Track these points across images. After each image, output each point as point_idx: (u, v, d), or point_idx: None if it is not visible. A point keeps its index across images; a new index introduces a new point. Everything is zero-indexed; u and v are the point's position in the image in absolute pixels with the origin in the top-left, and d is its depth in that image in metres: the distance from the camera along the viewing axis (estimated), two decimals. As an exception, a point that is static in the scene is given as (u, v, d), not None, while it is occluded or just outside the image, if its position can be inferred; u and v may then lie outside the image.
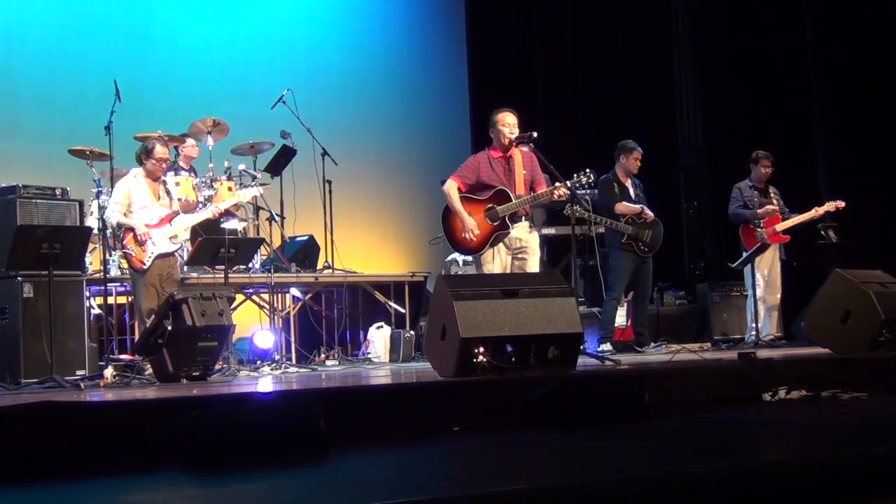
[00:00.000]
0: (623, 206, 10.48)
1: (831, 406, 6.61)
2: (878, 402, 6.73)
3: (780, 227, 10.98)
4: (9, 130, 11.89)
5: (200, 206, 10.22)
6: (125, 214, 9.00)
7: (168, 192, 9.31)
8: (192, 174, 10.76)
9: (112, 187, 9.65)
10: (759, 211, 10.96)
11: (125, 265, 10.13)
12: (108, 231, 9.71)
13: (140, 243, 8.91)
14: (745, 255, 10.92)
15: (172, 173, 10.26)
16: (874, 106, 12.92)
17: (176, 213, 9.21)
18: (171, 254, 9.04)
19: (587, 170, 8.79)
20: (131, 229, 8.94)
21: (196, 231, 9.58)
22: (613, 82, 14.58)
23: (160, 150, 9.13)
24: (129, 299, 10.36)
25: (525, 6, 15.50)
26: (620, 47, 14.71)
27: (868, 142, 12.93)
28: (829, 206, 11.03)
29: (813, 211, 11.04)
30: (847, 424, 5.78)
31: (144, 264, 8.91)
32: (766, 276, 10.95)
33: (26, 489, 4.30)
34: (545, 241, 11.75)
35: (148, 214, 9.03)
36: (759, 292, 10.88)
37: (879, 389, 7.07)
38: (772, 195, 11.19)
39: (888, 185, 12.74)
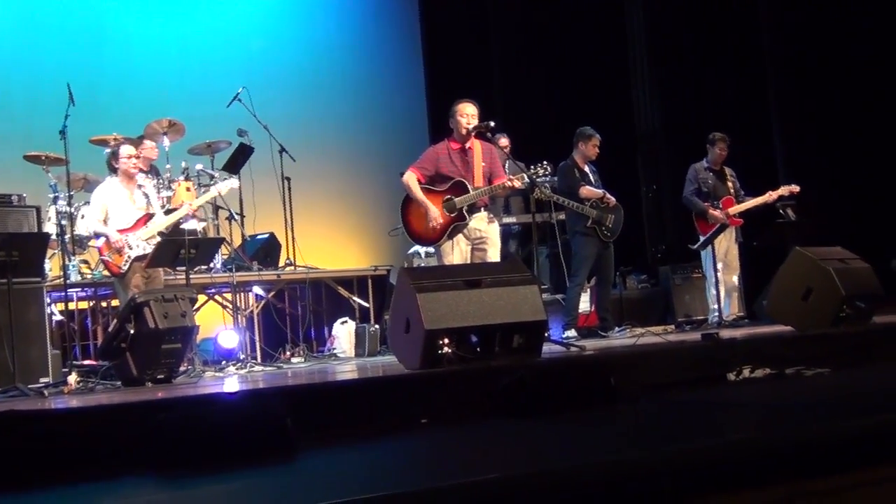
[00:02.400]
0: (587, 191, 10.52)
1: (795, 383, 6.65)
2: (841, 378, 6.77)
3: (734, 210, 11.01)
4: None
5: (162, 208, 10.18)
6: (104, 222, 9.03)
7: (146, 195, 9.32)
8: (153, 176, 10.70)
9: (69, 191, 9.64)
10: (710, 212, 10.98)
11: (86, 271, 10.13)
12: (67, 236, 9.67)
13: (115, 250, 8.92)
14: (703, 237, 10.96)
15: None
16: (829, 84, 13.04)
17: (151, 216, 9.20)
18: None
19: (544, 162, 8.83)
20: (107, 237, 8.96)
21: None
22: (570, 69, 14.63)
23: (126, 149, 9.22)
24: (91, 304, 10.33)
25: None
26: (576, 34, 14.74)
27: (824, 120, 13.05)
28: (784, 191, 11.10)
29: (767, 195, 11.08)
30: (811, 401, 5.82)
31: (122, 268, 8.95)
32: (723, 257, 10.98)
33: (-7, 499, 4.27)
34: (516, 231, 11.77)
35: (124, 218, 9.05)
36: (717, 273, 10.92)
37: (842, 365, 7.13)
38: (728, 177, 11.23)
39: (844, 162, 12.87)
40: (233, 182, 10.21)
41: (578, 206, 10.45)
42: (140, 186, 9.35)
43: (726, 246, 11.03)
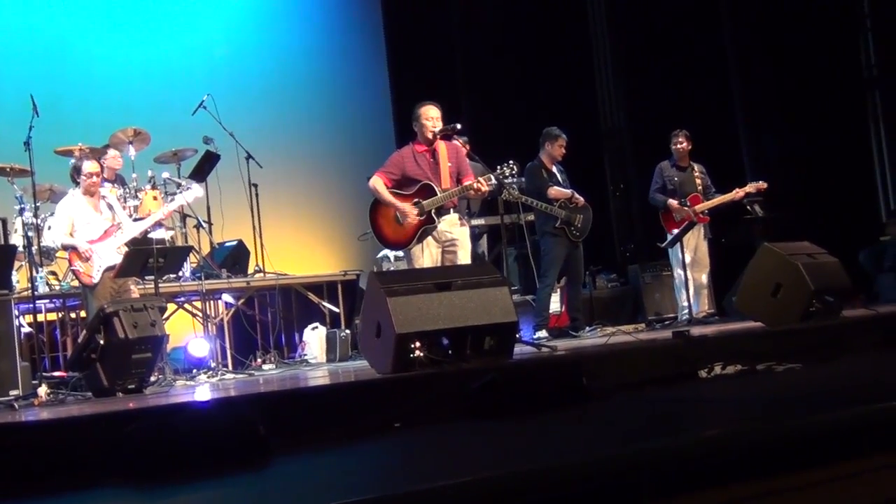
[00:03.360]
0: (555, 191, 10.55)
1: (766, 379, 6.68)
2: (812, 373, 6.81)
3: (700, 207, 11.02)
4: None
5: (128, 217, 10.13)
6: (70, 234, 9.01)
7: (110, 206, 9.30)
8: (118, 185, 10.66)
9: (35, 203, 9.60)
10: (674, 206, 11.02)
11: (54, 282, 10.09)
12: (34, 248, 9.64)
13: (85, 259, 8.90)
14: (671, 235, 11.00)
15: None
16: (792, 78, 13.11)
17: (119, 225, 9.18)
18: None
19: (510, 161, 8.76)
20: (75, 248, 8.93)
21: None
22: (534, 70, 14.65)
23: (88, 166, 9.17)
24: (60, 315, 10.29)
25: (441, -2, 15.53)
26: (540, 35, 14.75)
27: (789, 115, 13.12)
28: (751, 188, 11.13)
29: (734, 192, 11.10)
30: (783, 396, 5.84)
31: (94, 278, 8.93)
32: (692, 254, 11.00)
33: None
34: (482, 233, 11.78)
35: (91, 230, 9.03)
36: (687, 271, 10.94)
37: (813, 359, 7.17)
38: (696, 173, 11.24)
39: (810, 157, 12.94)
40: (198, 191, 10.18)
41: (546, 207, 10.47)
42: (104, 198, 9.33)
43: (695, 243, 11.05)
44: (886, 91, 13.18)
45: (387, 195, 8.73)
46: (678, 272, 11.09)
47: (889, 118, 13.14)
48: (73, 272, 9.19)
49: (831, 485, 3.98)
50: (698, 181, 11.19)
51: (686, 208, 10.95)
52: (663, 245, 11.16)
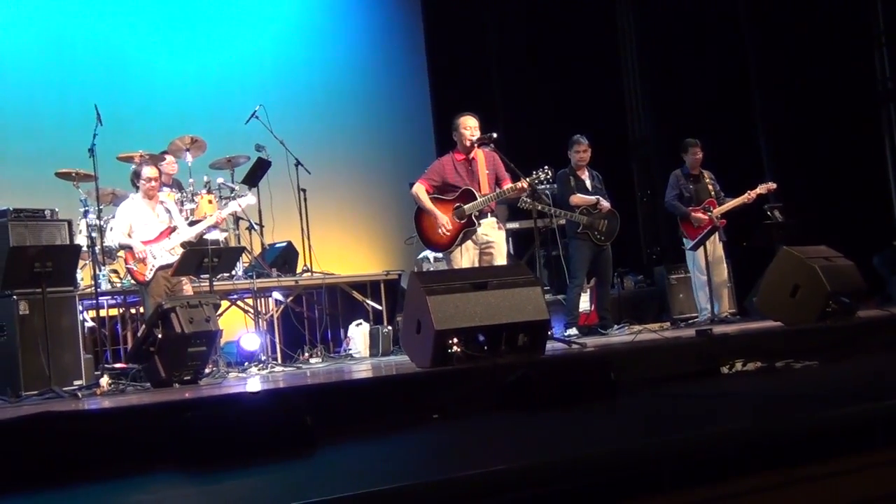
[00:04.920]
0: (577, 198, 10.53)
1: (785, 375, 6.64)
2: (829, 370, 6.77)
3: (717, 211, 10.94)
4: (-4, 156, 11.86)
5: (185, 220, 10.17)
6: (128, 235, 9.09)
7: (167, 210, 9.40)
8: (175, 189, 10.72)
9: (98, 206, 9.69)
10: (694, 215, 10.95)
11: (116, 280, 10.15)
12: (97, 248, 9.71)
13: (139, 260, 8.97)
14: (692, 240, 10.90)
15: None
16: (810, 90, 13.05)
17: (174, 228, 9.26)
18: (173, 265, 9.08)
19: (545, 167, 8.76)
20: (131, 248, 9.02)
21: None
22: (567, 82, 14.61)
23: (147, 171, 9.29)
24: (121, 311, 10.34)
25: (478, 15, 15.49)
26: (571, 50, 14.72)
27: (807, 123, 13.05)
28: (762, 189, 11.02)
29: (746, 195, 10.99)
30: (801, 392, 5.81)
31: (146, 277, 9.01)
32: (711, 257, 10.92)
33: (32, 496, 4.27)
34: (510, 235, 11.76)
35: (148, 231, 9.12)
36: (706, 273, 10.86)
37: (829, 357, 7.13)
38: (707, 180, 11.15)
39: (828, 164, 12.87)
40: (250, 199, 10.22)
41: (568, 214, 10.46)
42: (161, 202, 9.42)
43: (711, 247, 10.96)
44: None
45: (427, 202, 8.77)
46: (696, 275, 11.04)
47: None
48: (129, 270, 9.30)
49: (846, 476, 3.95)
50: (710, 188, 11.12)
51: (708, 214, 10.88)
52: (688, 248, 11.09)
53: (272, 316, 11.22)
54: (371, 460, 4.66)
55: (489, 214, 8.86)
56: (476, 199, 8.67)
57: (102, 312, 10.17)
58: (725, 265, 11.06)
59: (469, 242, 8.76)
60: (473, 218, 8.68)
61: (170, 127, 11.62)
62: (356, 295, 11.55)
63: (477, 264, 8.73)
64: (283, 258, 11.56)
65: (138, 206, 9.23)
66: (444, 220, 8.68)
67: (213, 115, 12.73)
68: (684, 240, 11.09)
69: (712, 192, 11.10)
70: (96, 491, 4.29)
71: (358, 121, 14.60)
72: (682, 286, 12.46)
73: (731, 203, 11.02)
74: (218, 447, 4.65)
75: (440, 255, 9.62)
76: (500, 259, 8.86)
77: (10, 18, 12.32)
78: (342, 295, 11.67)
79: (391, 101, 15.00)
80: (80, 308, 8.94)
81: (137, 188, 9.30)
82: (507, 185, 8.77)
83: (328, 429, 5.11)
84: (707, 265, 10.77)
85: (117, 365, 9.23)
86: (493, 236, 8.86)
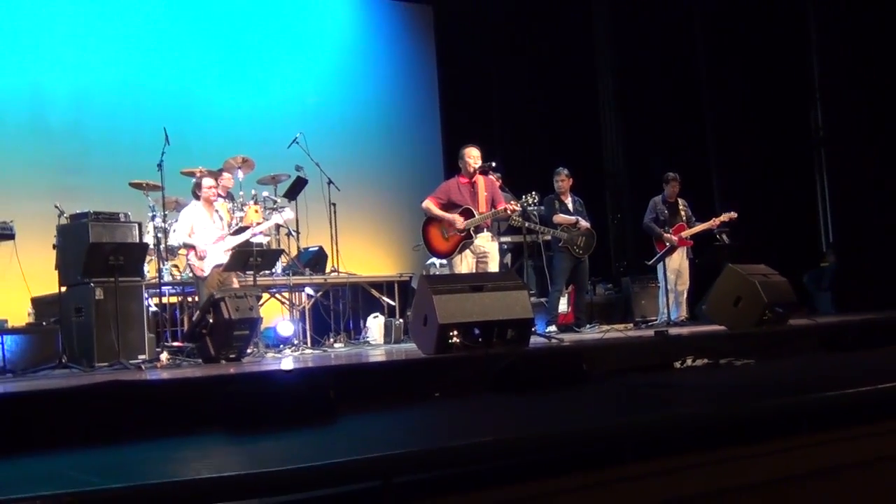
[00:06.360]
0: (559, 218, 10.57)
1: (727, 371, 6.63)
2: (763, 367, 6.76)
3: (685, 233, 11.00)
4: (82, 169, 11.90)
5: (235, 225, 10.18)
6: (189, 235, 9.12)
7: (221, 218, 9.41)
8: (228, 200, 10.73)
9: (164, 211, 9.72)
10: (664, 236, 10.97)
11: (176, 273, 10.17)
12: (162, 246, 9.72)
13: (200, 257, 9.00)
14: (657, 255, 10.99)
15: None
16: (757, 136, 13.11)
17: (226, 234, 9.28)
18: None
19: (533, 192, 8.91)
20: (193, 247, 9.05)
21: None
22: (556, 122, 14.77)
23: (207, 181, 9.34)
24: (180, 299, 10.35)
25: (484, 63, 15.58)
26: (560, 93, 14.84)
27: (752, 165, 13.10)
28: (725, 217, 11.04)
29: (711, 221, 11.06)
30: (740, 384, 5.80)
31: (204, 272, 9.05)
32: (676, 271, 10.95)
33: (100, 450, 4.27)
34: (508, 248, 11.77)
35: (207, 234, 9.13)
36: (669, 284, 10.89)
37: (764, 357, 7.13)
38: (681, 207, 11.18)
39: (769, 196, 12.91)
40: (289, 213, 10.23)
41: (551, 231, 10.52)
42: (216, 211, 9.42)
43: (679, 262, 10.99)
44: (830, 150, 13.12)
45: (438, 212, 8.89)
46: (662, 284, 11.05)
47: (831, 171, 13.11)
48: (189, 266, 9.32)
49: (776, 455, 3.95)
50: (683, 213, 11.14)
51: (672, 236, 10.93)
52: (650, 263, 11.15)
53: (304, 307, 11.22)
54: (383, 429, 4.66)
55: (485, 229, 8.91)
56: (474, 216, 8.72)
57: (164, 299, 10.18)
58: (688, 280, 11.07)
59: (468, 252, 8.83)
60: (471, 232, 8.73)
61: (225, 147, 11.64)
62: (374, 292, 11.54)
63: (474, 270, 8.77)
64: (315, 260, 11.56)
65: (199, 212, 9.24)
66: (456, 220, 8.79)
67: (261, 139, 12.73)
68: (656, 253, 11.11)
69: (684, 218, 11.11)
70: (154, 447, 4.29)
71: (380, 147, 14.66)
72: (643, 294, 12.49)
73: (698, 227, 11.07)
74: (256, 414, 4.65)
75: (444, 261, 9.64)
76: (494, 266, 8.91)
77: (97, 56, 12.40)
78: (362, 292, 11.67)
79: (408, 132, 15.06)
80: (145, 295, 8.95)
81: (198, 197, 9.31)
82: (502, 206, 8.84)
83: (348, 402, 5.10)
84: (665, 276, 10.83)
85: (175, 343, 9.24)
86: (488, 247, 8.95)
